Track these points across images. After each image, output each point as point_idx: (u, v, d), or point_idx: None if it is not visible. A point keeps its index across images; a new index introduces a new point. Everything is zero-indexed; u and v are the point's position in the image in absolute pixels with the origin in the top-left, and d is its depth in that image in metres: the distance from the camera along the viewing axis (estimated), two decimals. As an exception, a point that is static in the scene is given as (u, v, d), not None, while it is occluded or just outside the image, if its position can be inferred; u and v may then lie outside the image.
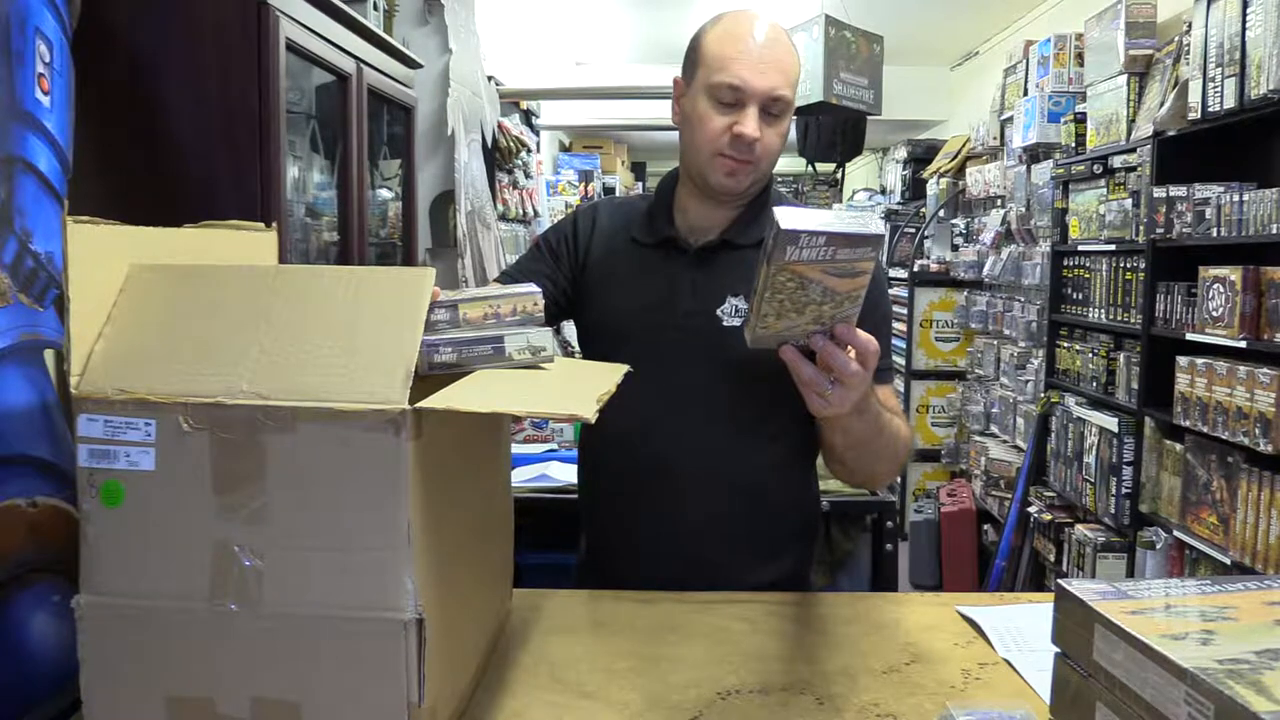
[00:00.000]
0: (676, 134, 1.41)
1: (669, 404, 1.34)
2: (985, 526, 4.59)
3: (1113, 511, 3.30)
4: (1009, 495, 4.21)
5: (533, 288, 1.01)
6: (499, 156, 4.10)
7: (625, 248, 1.42)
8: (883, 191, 7.70)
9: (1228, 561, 2.60)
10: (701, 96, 1.31)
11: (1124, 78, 3.38)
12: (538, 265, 1.44)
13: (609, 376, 1.04)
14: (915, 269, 5.30)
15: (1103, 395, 3.44)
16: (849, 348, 1.04)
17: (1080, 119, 3.77)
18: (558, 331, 1.95)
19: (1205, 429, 2.66)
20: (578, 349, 1.50)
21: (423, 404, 0.81)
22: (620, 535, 1.42)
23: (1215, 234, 2.72)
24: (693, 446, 1.35)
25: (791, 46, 1.34)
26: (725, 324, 1.32)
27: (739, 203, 1.38)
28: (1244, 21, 2.53)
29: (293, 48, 1.83)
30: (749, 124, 1.28)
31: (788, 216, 0.92)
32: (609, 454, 1.42)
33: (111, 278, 0.89)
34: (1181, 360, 2.78)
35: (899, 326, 5.25)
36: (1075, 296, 3.72)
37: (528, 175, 4.77)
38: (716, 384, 1.33)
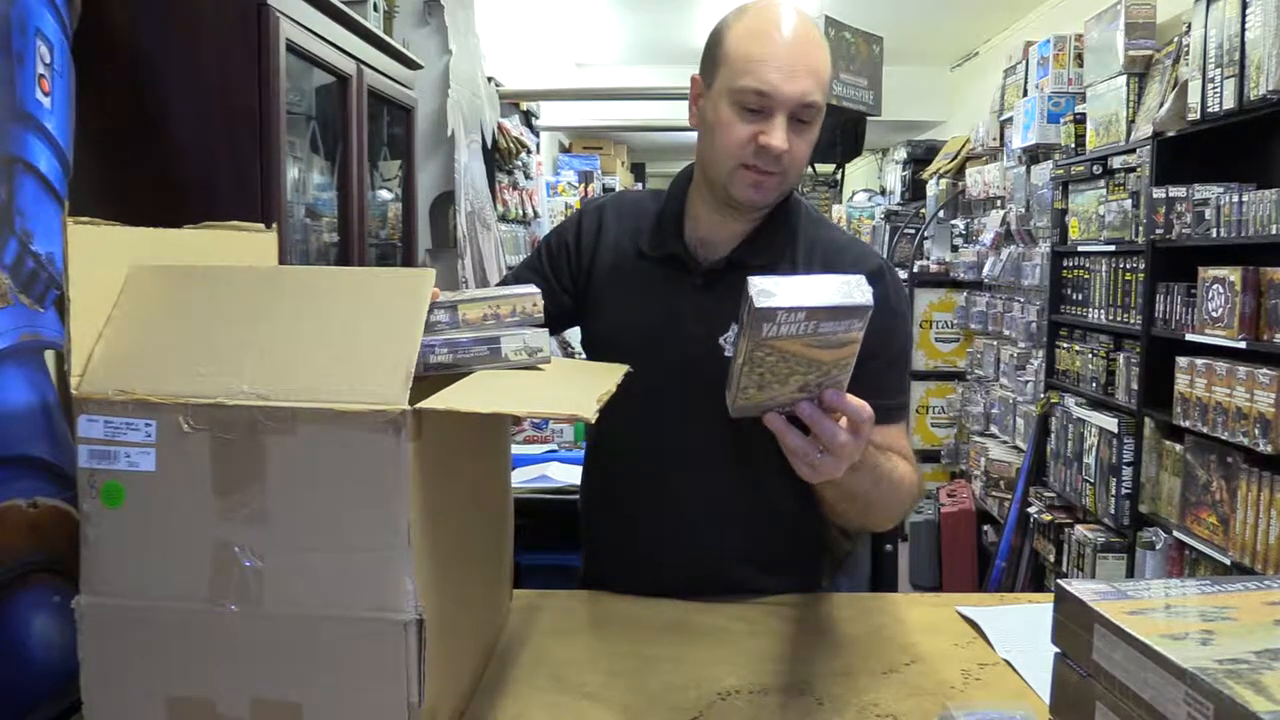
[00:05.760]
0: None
1: (672, 429, 1.32)
2: (985, 527, 4.58)
3: (1112, 512, 3.30)
4: (1009, 496, 4.21)
5: (532, 289, 1.01)
6: (499, 157, 4.10)
7: (631, 261, 1.35)
8: (882, 192, 7.70)
9: (1227, 562, 2.60)
10: (724, 101, 1.20)
11: (1123, 78, 3.38)
12: (540, 271, 1.40)
13: (609, 376, 1.04)
14: (915, 270, 5.30)
15: (1102, 396, 3.44)
16: (839, 414, 0.96)
17: (1080, 120, 3.77)
18: (556, 333, 1.94)
19: (1205, 429, 2.66)
20: (578, 349, 1.49)
21: (423, 404, 0.81)
22: (624, 560, 1.39)
23: (1215, 235, 2.72)
24: (698, 472, 1.32)
25: (823, 43, 1.23)
26: (728, 353, 1.25)
27: (757, 216, 1.30)
28: (1243, 22, 2.53)
29: (293, 48, 1.83)
30: (776, 135, 1.18)
31: (764, 293, 0.85)
32: (612, 477, 1.40)
33: (111, 278, 0.89)
34: (1181, 361, 2.78)
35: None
36: (1075, 297, 3.73)
37: (528, 176, 4.77)
38: (719, 410, 1.29)
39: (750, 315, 0.86)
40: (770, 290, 0.86)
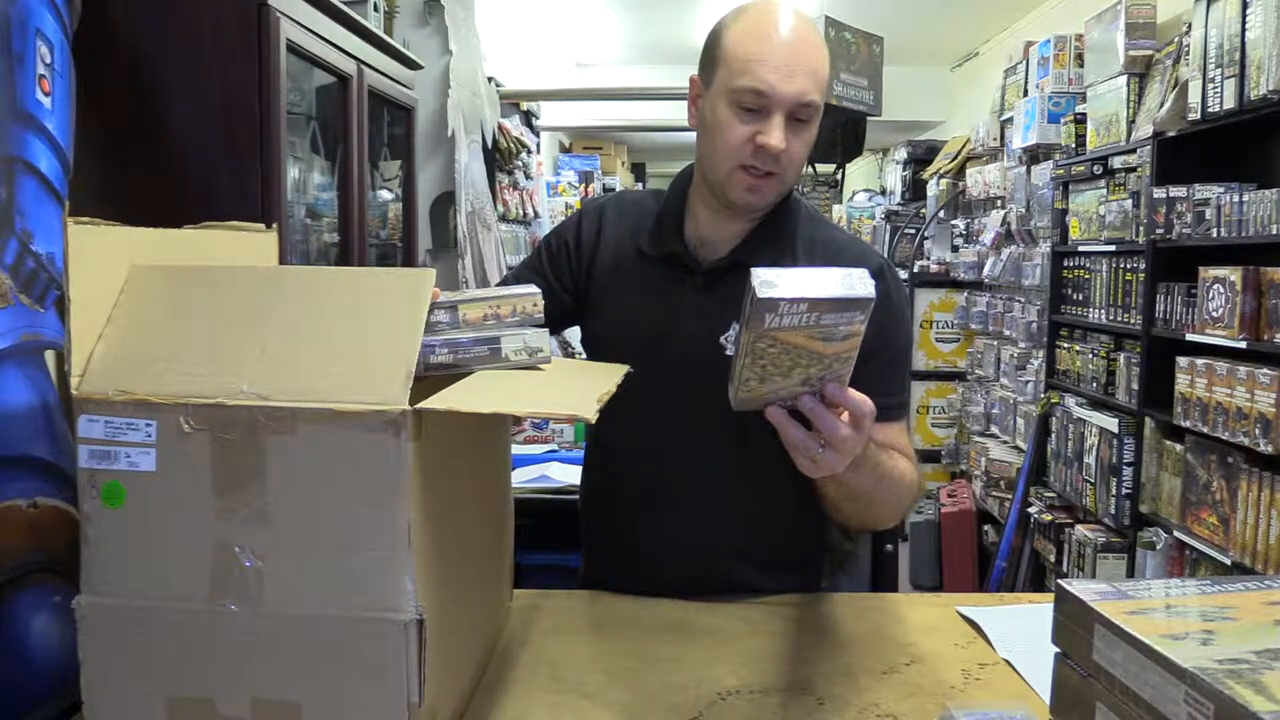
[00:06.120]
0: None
1: (673, 429, 1.32)
2: (985, 527, 4.59)
3: (1113, 512, 3.30)
4: (1009, 496, 4.21)
5: (532, 289, 1.01)
6: (499, 157, 4.10)
7: (631, 261, 1.35)
8: (883, 192, 7.70)
9: (1228, 562, 2.60)
10: (722, 101, 1.20)
11: (1124, 78, 3.38)
12: (540, 271, 1.40)
13: (609, 376, 1.04)
14: (915, 270, 5.30)
15: (1103, 396, 3.44)
16: (840, 409, 0.96)
17: (1080, 119, 3.77)
18: (556, 333, 1.94)
19: (1205, 429, 2.66)
20: (578, 349, 1.49)
21: (423, 405, 0.81)
22: (624, 560, 1.39)
23: (1215, 234, 2.72)
24: (699, 472, 1.32)
25: (820, 43, 1.23)
26: (729, 352, 1.24)
27: (756, 215, 1.30)
28: (1244, 22, 2.53)
29: (293, 49, 1.83)
30: (774, 134, 1.18)
31: (766, 283, 0.85)
32: (612, 476, 1.40)
33: (112, 278, 0.89)
34: (1181, 361, 2.78)
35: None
36: (1075, 297, 3.73)
37: (528, 176, 4.77)
38: (720, 410, 1.28)
39: (753, 306, 0.86)
40: (773, 281, 0.86)
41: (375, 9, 2.55)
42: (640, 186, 9.19)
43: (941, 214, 5.46)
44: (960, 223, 5.29)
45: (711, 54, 1.24)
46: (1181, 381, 2.77)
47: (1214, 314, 2.64)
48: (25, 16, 1.10)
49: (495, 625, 1.17)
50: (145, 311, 0.89)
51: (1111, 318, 3.39)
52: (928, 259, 5.49)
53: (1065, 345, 3.81)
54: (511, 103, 4.58)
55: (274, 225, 1.13)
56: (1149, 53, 3.32)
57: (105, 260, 0.89)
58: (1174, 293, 2.93)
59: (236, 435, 0.82)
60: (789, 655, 1.16)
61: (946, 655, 1.16)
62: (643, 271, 1.34)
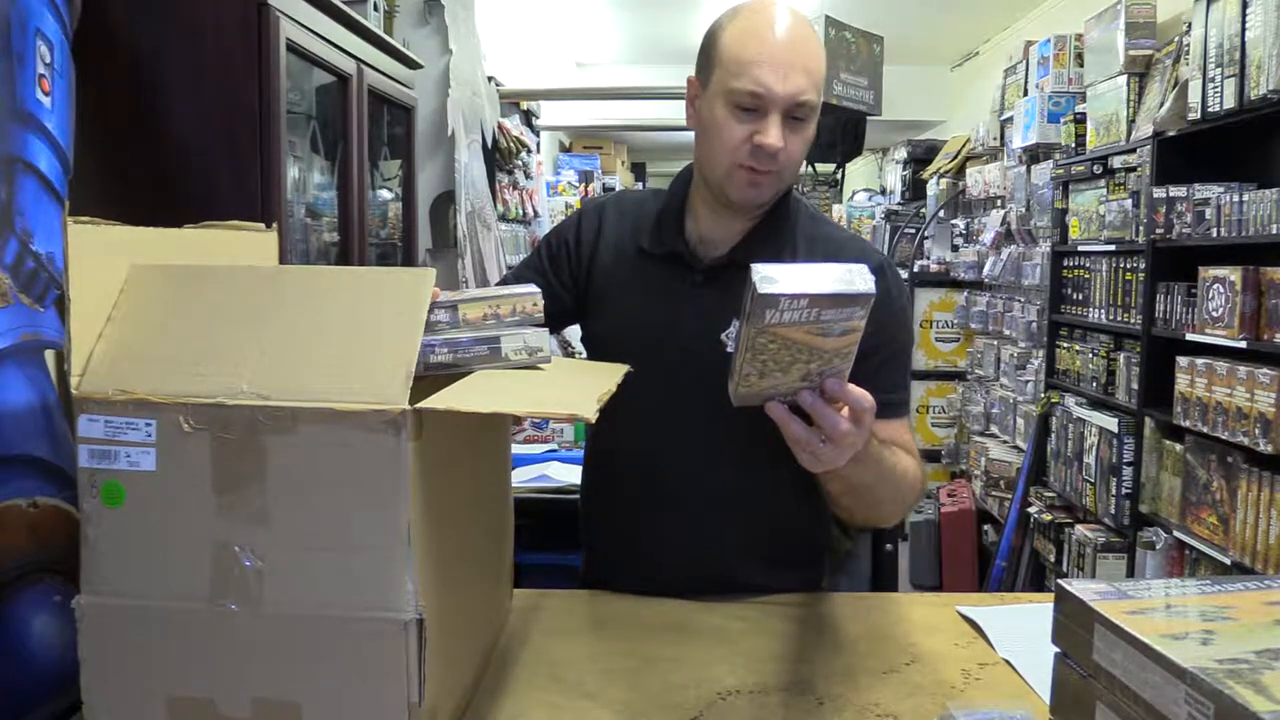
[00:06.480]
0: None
1: (674, 428, 1.32)
2: (985, 527, 4.59)
3: (1113, 512, 3.30)
4: (1009, 495, 4.21)
5: (533, 288, 1.01)
6: (499, 157, 4.10)
7: (631, 259, 1.35)
8: (883, 192, 7.70)
9: (1228, 561, 2.60)
10: (719, 102, 1.22)
11: (1124, 78, 3.38)
12: (540, 270, 1.40)
13: (609, 376, 1.04)
14: (915, 269, 5.31)
15: (1103, 395, 3.44)
16: (841, 404, 0.97)
17: (1080, 119, 3.77)
18: (556, 332, 1.94)
19: (1205, 429, 2.66)
20: (578, 349, 1.48)
21: (423, 404, 0.81)
22: (624, 559, 1.39)
23: (1215, 234, 2.72)
24: (699, 471, 1.32)
25: (817, 41, 1.24)
26: (730, 349, 1.25)
27: (756, 214, 1.31)
28: (1244, 22, 2.53)
29: (293, 48, 1.83)
30: (771, 133, 1.19)
31: (766, 279, 0.86)
32: (614, 477, 1.40)
33: (112, 278, 0.90)
34: (1181, 360, 2.78)
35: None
36: (1075, 297, 3.73)
37: (528, 176, 4.77)
38: (720, 407, 1.28)
39: (753, 301, 0.87)
40: (773, 277, 0.86)
41: (375, 8, 2.55)
42: (640, 186, 9.18)
43: (941, 214, 5.46)
44: (960, 222, 5.29)
45: (708, 55, 1.25)
46: (1181, 381, 2.77)
47: (1214, 314, 2.64)
48: (25, 16, 1.10)
49: (495, 625, 1.17)
50: (145, 311, 0.89)
51: (1111, 317, 3.39)
52: (928, 258, 5.49)
53: (1065, 345, 3.81)
54: (511, 102, 4.58)
55: (274, 225, 1.13)
56: (1149, 52, 3.32)
57: (105, 260, 0.89)
58: (1174, 292, 2.93)
59: (236, 435, 0.82)
60: (789, 655, 1.16)
61: (946, 655, 1.16)
62: (643, 270, 1.35)
